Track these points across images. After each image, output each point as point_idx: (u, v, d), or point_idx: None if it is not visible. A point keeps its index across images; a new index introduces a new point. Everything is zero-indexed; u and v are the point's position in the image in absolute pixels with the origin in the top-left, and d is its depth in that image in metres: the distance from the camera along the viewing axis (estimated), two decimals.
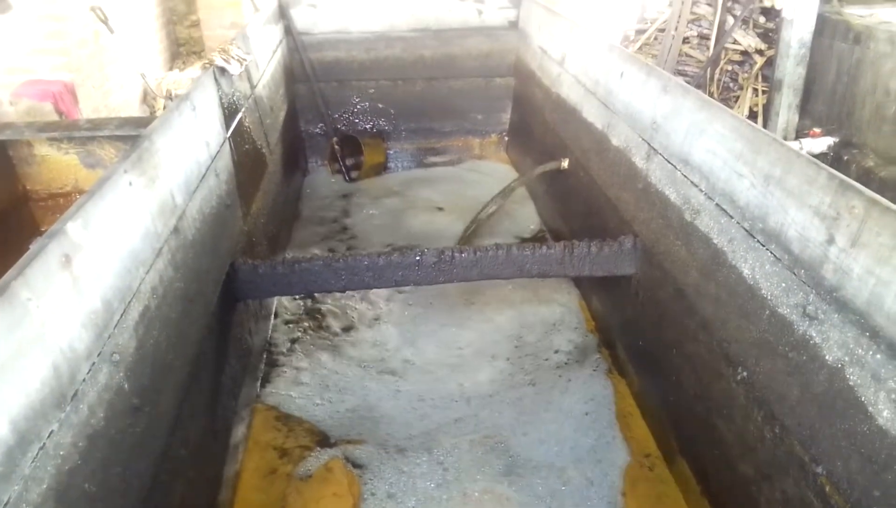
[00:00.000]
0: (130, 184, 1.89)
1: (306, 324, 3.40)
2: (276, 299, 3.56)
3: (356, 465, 2.53)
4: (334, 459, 2.55)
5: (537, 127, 4.62)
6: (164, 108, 6.65)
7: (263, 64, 4.00)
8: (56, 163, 3.67)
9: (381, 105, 5.28)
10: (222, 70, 3.02)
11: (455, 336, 3.33)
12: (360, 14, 5.01)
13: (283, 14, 4.85)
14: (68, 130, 3.64)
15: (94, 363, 1.54)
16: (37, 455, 1.29)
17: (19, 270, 1.36)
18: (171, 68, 7.67)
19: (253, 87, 3.58)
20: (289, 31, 4.92)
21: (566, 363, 3.12)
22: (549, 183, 4.27)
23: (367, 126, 5.34)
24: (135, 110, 6.66)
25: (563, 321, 3.43)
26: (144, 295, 1.86)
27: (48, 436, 1.33)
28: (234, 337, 2.80)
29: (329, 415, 2.82)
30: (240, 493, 2.44)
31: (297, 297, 3.57)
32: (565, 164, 3.83)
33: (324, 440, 2.68)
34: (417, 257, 2.82)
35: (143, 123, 4.36)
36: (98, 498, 1.48)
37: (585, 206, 3.58)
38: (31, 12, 5.22)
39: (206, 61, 2.99)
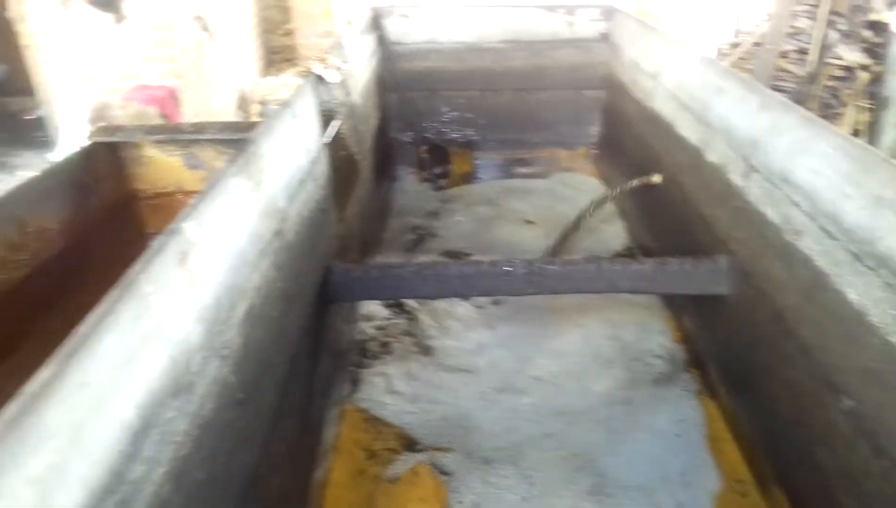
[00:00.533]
0: (238, 187, 1.98)
1: (396, 330, 3.46)
2: (366, 303, 3.63)
3: (443, 472, 2.55)
4: (421, 464, 2.58)
5: (627, 141, 4.57)
6: (261, 113, 6.89)
7: (358, 73, 4.09)
8: (161, 164, 3.83)
9: (469, 115, 5.33)
10: (321, 78, 3.11)
11: (544, 351, 3.31)
12: (451, 25, 5.07)
13: (376, 24, 4.96)
14: (173, 134, 3.80)
15: (205, 357, 1.61)
16: (157, 439, 1.36)
17: (143, 265, 1.44)
18: (265, 75, 7.93)
19: (348, 95, 3.67)
20: (382, 41, 5.02)
21: (654, 383, 3.07)
22: (638, 198, 4.22)
23: (456, 136, 5.40)
24: (231, 115, 6.91)
25: (650, 338, 3.38)
26: (250, 294, 1.93)
27: (165, 423, 1.41)
28: (327, 339, 2.87)
29: (419, 421, 2.86)
30: (330, 490, 2.51)
31: (388, 302, 3.62)
32: (658, 179, 3.77)
33: (411, 445, 2.72)
34: (508, 268, 2.84)
35: (241, 127, 4.52)
36: (207, 485, 1.54)
37: (676, 223, 3.52)
38: (143, 22, 5.50)
39: (306, 70, 3.09)
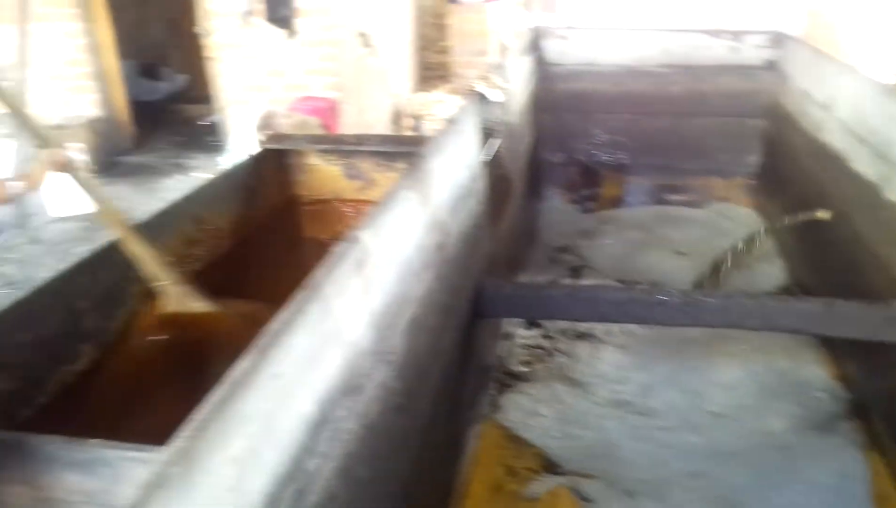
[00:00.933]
0: (409, 200, 2.06)
1: (542, 350, 3.46)
2: (513, 321, 3.65)
3: (584, 498, 2.53)
4: (561, 487, 2.58)
5: (790, 173, 4.37)
6: (413, 127, 7.12)
7: (516, 92, 4.15)
8: (322, 172, 4.03)
9: (622, 138, 5.27)
10: (484, 97, 3.18)
11: (695, 385, 3.21)
12: (609, 47, 5.04)
13: (535, 45, 5.00)
14: (336, 144, 4.01)
15: (373, 361, 1.69)
16: (329, 435, 1.44)
17: (327, 270, 1.53)
18: (418, 91, 8.16)
19: (506, 114, 3.73)
20: (539, 61, 5.06)
21: (813, 429, 2.90)
22: (800, 234, 4.02)
23: (607, 158, 5.35)
24: (384, 128, 7.16)
25: (808, 382, 3.20)
26: (414, 303, 2.00)
27: (338, 421, 1.49)
28: (475, 353, 2.93)
29: (561, 446, 2.84)
30: (468, 502, 2.55)
31: (535, 321, 3.63)
32: (826, 215, 3.58)
33: (552, 467, 2.72)
34: (662, 297, 2.78)
35: (400, 141, 4.71)
36: (368, 484, 1.62)
37: (845, 262, 3.32)
38: (312, 37, 5.81)
39: (470, 88, 3.17)
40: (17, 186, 1.94)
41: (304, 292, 1.43)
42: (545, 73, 5.09)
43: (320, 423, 1.41)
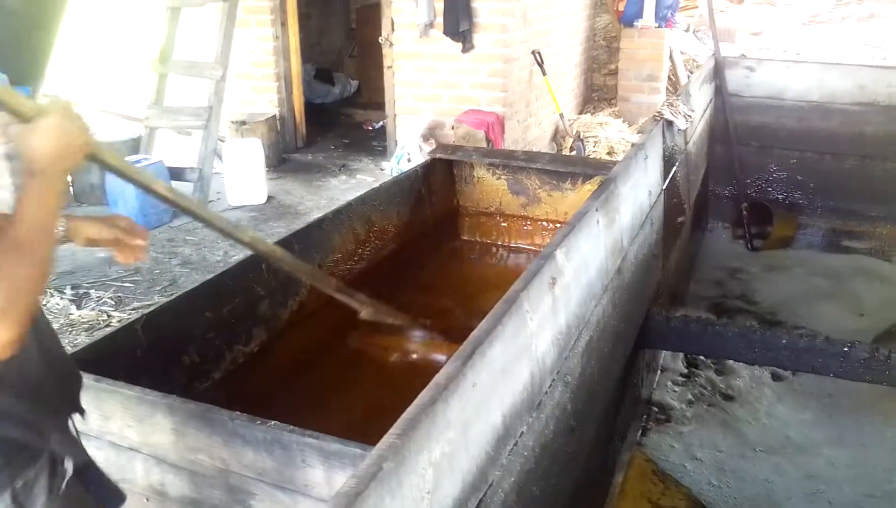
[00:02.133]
0: (598, 222, 2.03)
1: (696, 388, 3.33)
2: (664, 354, 3.54)
3: None
4: None
5: None
6: (571, 148, 7.07)
7: (695, 121, 4.02)
8: (488, 185, 4.07)
9: (800, 177, 4.97)
10: (669, 123, 3.10)
11: (869, 446, 2.97)
12: (798, 81, 4.78)
13: (717, 74, 4.83)
14: (506, 159, 4.03)
15: (553, 380, 1.67)
16: (511, 449, 1.44)
17: (524, 284, 1.54)
18: (582, 111, 8.10)
19: (686, 142, 3.62)
20: (718, 91, 4.88)
21: None
22: None
23: (780, 196, 5.07)
24: (545, 146, 7.16)
25: None
26: (591, 326, 1.97)
27: (519, 436, 1.48)
28: (631, 382, 2.85)
29: (717, 494, 2.70)
30: None
31: (690, 356, 3.50)
32: None
33: None
34: (845, 349, 2.59)
35: (569, 161, 4.68)
36: (537, 502, 1.60)
37: None
38: (485, 52, 5.90)
39: (656, 114, 3.10)
40: None
41: (503, 304, 1.43)
42: (723, 103, 4.89)
43: (504, 436, 1.41)
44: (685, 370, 3.49)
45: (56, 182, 1.14)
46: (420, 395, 1.16)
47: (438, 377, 1.21)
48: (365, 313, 2.35)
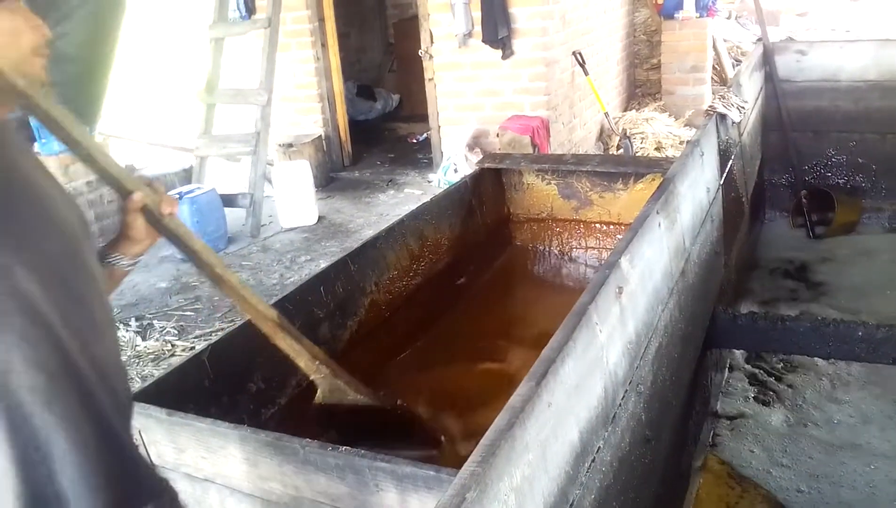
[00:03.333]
0: (660, 225, 1.99)
1: (773, 387, 3.22)
2: (733, 353, 3.45)
3: None
4: None
5: None
6: (617, 146, 6.98)
7: (747, 112, 3.92)
8: (538, 191, 4.03)
9: (861, 160, 4.81)
10: (723, 117, 3.02)
11: None
12: (853, 61, 4.63)
13: (766, 61, 4.71)
14: (555, 164, 3.98)
15: (626, 391, 1.63)
16: (589, 466, 1.41)
17: (591, 296, 1.50)
18: (627, 108, 8.00)
19: (740, 134, 3.53)
20: (769, 77, 4.76)
21: None
22: None
23: (841, 181, 4.91)
24: (591, 147, 7.08)
25: None
26: (659, 332, 1.93)
27: (596, 451, 1.45)
28: (701, 384, 2.78)
29: (807, 499, 2.61)
30: None
31: (759, 354, 3.40)
32: None
33: None
34: None
35: (619, 162, 4.61)
36: None
37: None
38: (525, 57, 5.87)
39: (709, 108, 3.03)
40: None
41: (573, 318, 1.40)
42: (775, 90, 4.76)
43: (582, 453, 1.37)
44: (756, 369, 3.39)
45: None
46: (496, 419, 1.14)
47: (513, 400, 1.18)
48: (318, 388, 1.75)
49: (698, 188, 2.50)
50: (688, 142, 2.62)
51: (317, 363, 1.67)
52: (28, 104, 1.12)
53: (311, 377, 1.70)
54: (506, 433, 1.11)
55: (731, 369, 3.40)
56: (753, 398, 3.18)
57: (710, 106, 3.02)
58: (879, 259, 4.41)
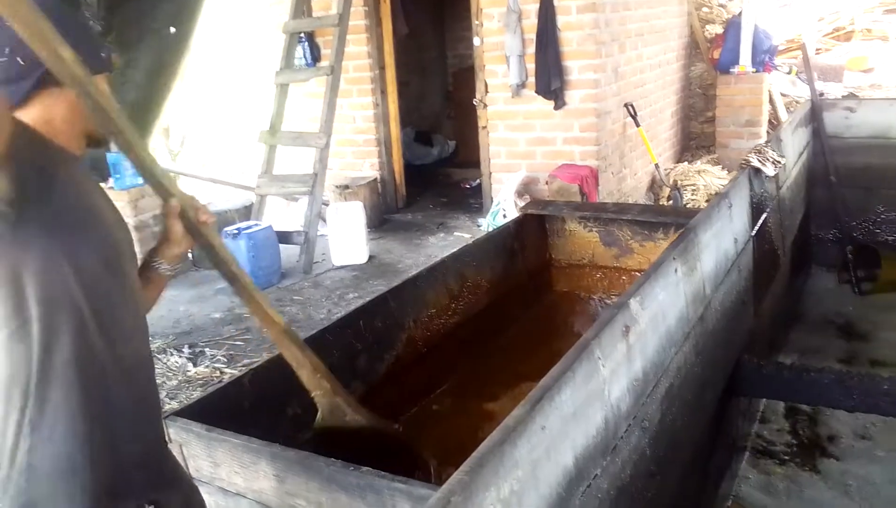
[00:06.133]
0: (676, 271, 2.08)
1: (800, 438, 3.22)
2: (765, 402, 3.45)
3: None
4: None
5: None
6: (668, 197, 7.02)
7: (790, 166, 3.97)
8: (580, 238, 4.13)
9: None
10: (757, 171, 3.10)
11: None
12: None
13: (814, 117, 4.75)
14: (597, 211, 4.09)
15: (629, 425, 1.72)
16: (584, 491, 1.50)
17: (596, 332, 1.61)
18: (679, 160, 8.04)
19: (778, 188, 3.59)
20: (817, 133, 4.79)
21: None
22: None
23: (890, 238, 4.87)
24: (641, 197, 7.14)
25: None
26: (671, 373, 2.00)
27: (593, 478, 1.54)
28: (724, 431, 2.81)
29: None
30: None
31: (790, 405, 3.40)
32: None
33: None
34: None
35: (660, 211, 4.69)
36: None
37: None
38: (577, 108, 6.02)
39: (744, 161, 3.10)
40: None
41: (574, 351, 1.51)
42: (823, 146, 4.79)
43: (577, 478, 1.47)
44: (786, 419, 3.39)
45: None
46: (489, 436, 1.26)
47: (507, 420, 1.30)
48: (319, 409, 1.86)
49: (724, 238, 2.57)
50: (716, 194, 2.71)
51: (318, 376, 1.79)
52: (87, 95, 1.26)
53: (312, 395, 1.82)
54: (496, 449, 1.22)
55: (765, 420, 3.41)
56: (783, 449, 3.18)
57: (744, 160, 3.10)
58: None
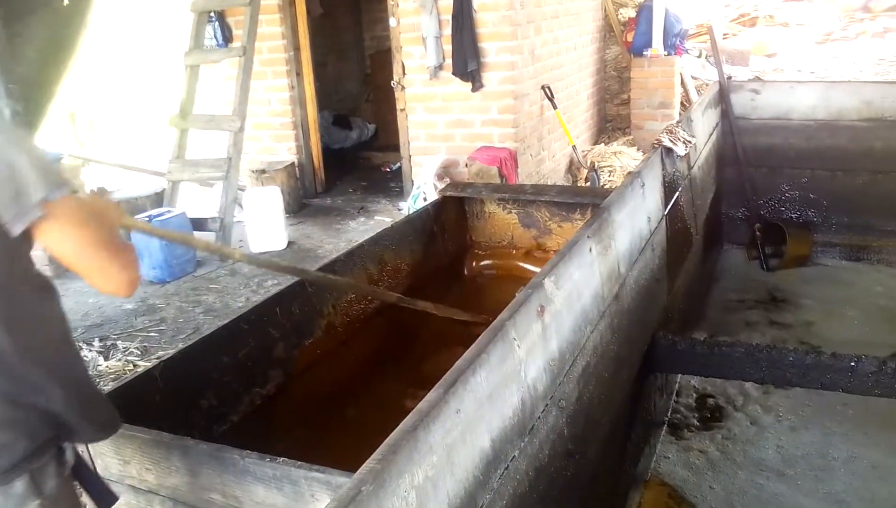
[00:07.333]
0: (591, 250, 2.09)
1: (710, 411, 3.32)
2: (681, 377, 3.55)
3: None
4: None
5: None
6: (585, 179, 7.13)
7: (700, 146, 4.07)
8: (499, 220, 4.14)
9: (812, 195, 4.98)
10: (668, 151, 3.16)
11: (887, 461, 2.94)
12: (804, 101, 4.82)
13: (722, 98, 4.89)
14: (515, 193, 4.10)
15: (546, 405, 1.72)
16: (502, 473, 1.49)
17: (510, 313, 1.60)
18: (596, 142, 8.18)
19: (690, 168, 3.67)
20: (725, 115, 4.93)
21: None
22: None
23: (793, 215, 5.08)
24: (560, 179, 7.23)
25: None
26: (587, 352, 2.02)
27: (510, 460, 1.53)
28: (642, 407, 2.87)
29: None
30: None
31: (704, 379, 3.50)
32: None
33: None
34: (852, 363, 2.60)
35: (577, 192, 4.75)
36: None
37: None
38: (495, 90, 6.02)
39: (656, 141, 3.16)
40: None
41: (489, 333, 1.50)
42: (730, 127, 4.94)
43: (494, 460, 1.46)
44: (699, 393, 3.50)
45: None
46: (403, 422, 1.23)
47: (421, 405, 1.27)
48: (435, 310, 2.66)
49: (638, 217, 2.61)
50: (629, 173, 2.75)
51: None
52: None
53: None
54: (409, 434, 1.19)
55: (679, 393, 3.50)
56: (694, 420, 3.28)
57: (656, 140, 3.15)
58: (826, 291, 4.56)
